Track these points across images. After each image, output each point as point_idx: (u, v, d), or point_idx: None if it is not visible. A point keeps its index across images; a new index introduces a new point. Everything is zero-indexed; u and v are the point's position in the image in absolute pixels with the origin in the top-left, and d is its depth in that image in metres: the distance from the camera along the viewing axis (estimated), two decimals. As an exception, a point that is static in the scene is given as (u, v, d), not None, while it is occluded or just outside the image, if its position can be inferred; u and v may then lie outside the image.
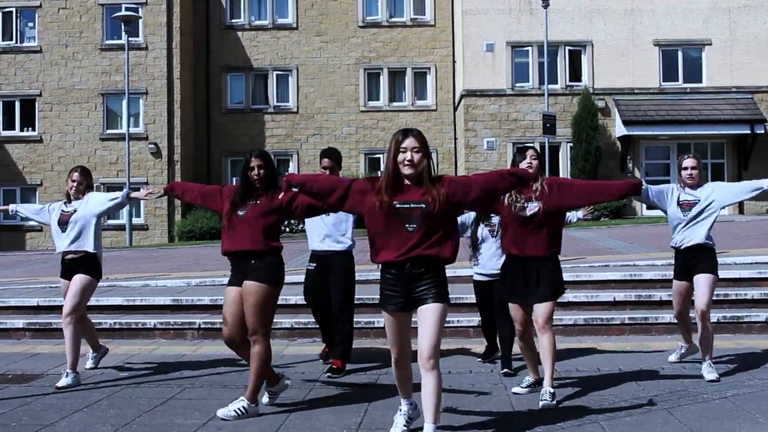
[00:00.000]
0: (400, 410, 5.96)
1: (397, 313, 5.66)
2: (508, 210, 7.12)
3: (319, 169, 8.66)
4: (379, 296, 5.82)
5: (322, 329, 9.02)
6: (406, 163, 5.62)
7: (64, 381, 7.95)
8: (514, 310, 7.26)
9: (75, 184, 8.35)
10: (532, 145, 7.18)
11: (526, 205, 7.05)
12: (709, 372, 7.73)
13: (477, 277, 8.66)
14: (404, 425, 5.89)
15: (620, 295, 11.14)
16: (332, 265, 8.60)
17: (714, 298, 8.17)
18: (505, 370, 8.18)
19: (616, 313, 10.64)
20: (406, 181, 5.67)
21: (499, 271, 7.69)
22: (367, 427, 6.42)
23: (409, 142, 5.64)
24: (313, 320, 10.73)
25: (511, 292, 7.22)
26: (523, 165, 7.18)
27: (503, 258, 7.48)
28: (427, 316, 5.54)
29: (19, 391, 7.89)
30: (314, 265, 8.74)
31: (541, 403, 6.75)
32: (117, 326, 10.91)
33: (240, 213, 6.88)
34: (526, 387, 7.37)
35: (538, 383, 7.26)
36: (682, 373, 8.09)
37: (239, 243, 6.83)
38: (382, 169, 32.73)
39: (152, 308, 11.60)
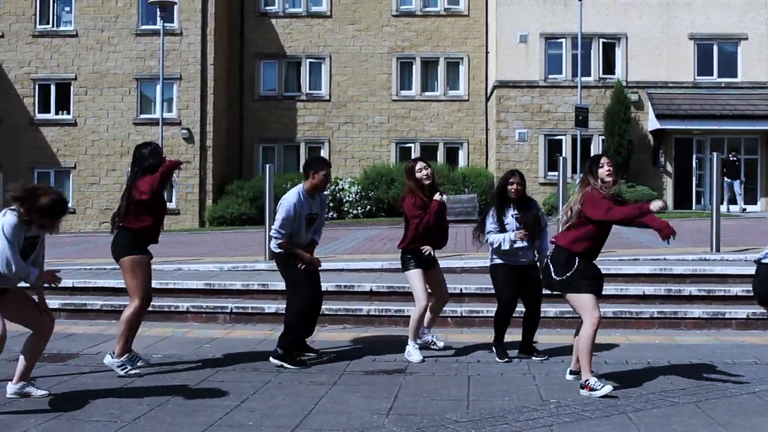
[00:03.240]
0: None
1: None
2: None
3: (319, 176, 8.48)
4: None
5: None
6: None
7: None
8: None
9: None
10: (601, 154, 7.33)
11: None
12: None
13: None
14: None
15: (650, 289, 11.16)
16: None
17: None
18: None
19: (645, 307, 10.65)
20: None
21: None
22: (397, 411, 6.52)
23: None
24: (345, 307, 10.93)
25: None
26: (603, 172, 7.29)
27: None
28: None
29: (55, 369, 8.06)
30: None
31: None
32: (150, 309, 11.03)
33: None
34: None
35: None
36: (710, 367, 8.11)
37: None
38: (413, 156, 32.76)
39: (185, 292, 11.75)
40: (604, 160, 7.39)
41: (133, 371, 7.82)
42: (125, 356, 7.89)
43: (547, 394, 7.10)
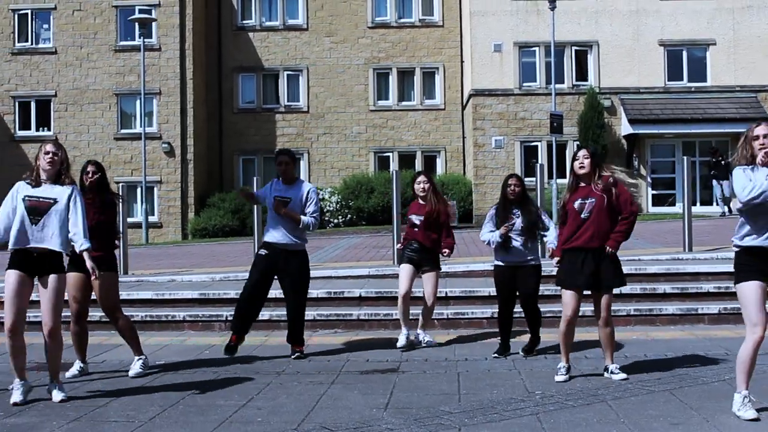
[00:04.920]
0: None
1: None
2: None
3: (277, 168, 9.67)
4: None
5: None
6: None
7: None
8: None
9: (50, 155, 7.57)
10: (583, 147, 7.95)
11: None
12: None
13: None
14: None
15: (626, 288, 11.65)
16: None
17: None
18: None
19: (622, 305, 11.14)
20: None
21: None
22: (394, 406, 7.01)
23: None
24: (336, 312, 11.44)
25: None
26: (576, 165, 7.85)
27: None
28: None
29: (64, 377, 8.45)
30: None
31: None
32: (148, 318, 11.49)
33: None
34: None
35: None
36: (684, 359, 8.64)
37: None
38: (391, 168, 33.34)
39: (180, 302, 12.19)
40: (580, 153, 7.92)
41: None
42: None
43: (532, 386, 7.61)
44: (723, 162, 27.73)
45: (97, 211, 8.43)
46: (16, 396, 7.30)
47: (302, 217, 9.36)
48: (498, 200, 9.39)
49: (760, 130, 6.29)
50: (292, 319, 9.47)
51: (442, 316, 11.11)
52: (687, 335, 10.20)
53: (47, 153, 7.49)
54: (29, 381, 7.51)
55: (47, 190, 7.43)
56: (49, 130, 33.89)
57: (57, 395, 7.36)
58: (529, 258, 9.12)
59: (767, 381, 7.49)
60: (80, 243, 7.42)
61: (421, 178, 10.00)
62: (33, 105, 33.99)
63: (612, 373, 7.79)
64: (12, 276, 7.25)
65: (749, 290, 6.28)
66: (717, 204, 29.09)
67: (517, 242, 9.06)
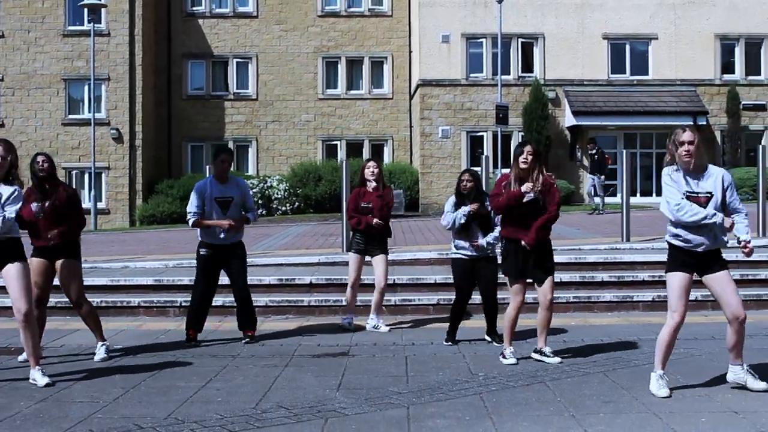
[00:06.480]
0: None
1: None
2: None
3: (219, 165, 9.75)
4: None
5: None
6: None
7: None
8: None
9: None
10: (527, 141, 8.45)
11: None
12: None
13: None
14: None
15: (566, 276, 12.19)
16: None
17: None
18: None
19: (562, 293, 11.61)
20: None
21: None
22: (346, 386, 7.43)
23: None
24: (287, 299, 11.82)
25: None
26: (520, 159, 8.26)
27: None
28: None
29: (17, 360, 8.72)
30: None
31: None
32: (103, 304, 11.73)
33: None
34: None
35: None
36: (619, 344, 9.17)
37: None
38: (339, 156, 33.74)
39: (135, 288, 12.46)
40: (525, 148, 8.38)
41: None
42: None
43: (475, 369, 8.08)
44: (597, 157, 25.93)
45: (56, 200, 8.66)
46: None
47: (248, 216, 9.88)
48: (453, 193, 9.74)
49: (686, 137, 6.86)
50: (245, 305, 9.84)
51: (390, 303, 11.53)
52: (622, 321, 10.76)
53: None
54: None
55: None
56: (-5, 114, 33.69)
57: (41, 380, 7.61)
58: (487, 250, 9.47)
59: (694, 363, 8.07)
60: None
61: (371, 163, 10.52)
62: (-21, 89, 33.75)
63: (545, 355, 8.32)
64: None
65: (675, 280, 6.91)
66: (589, 200, 27.31)
67: (482, 239, 9.39)
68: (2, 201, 7.55)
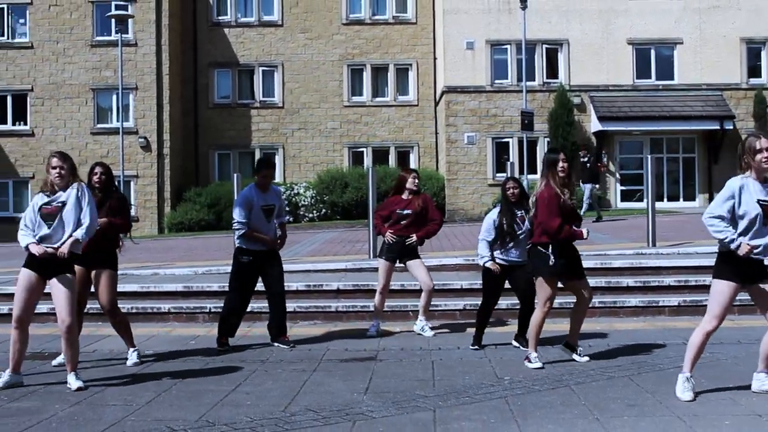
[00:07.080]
0: None
1: None
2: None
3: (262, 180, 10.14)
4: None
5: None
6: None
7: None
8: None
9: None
10: (558, 148, 8.70)
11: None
12: None
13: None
14: None
15: (592, 282, 12.18)
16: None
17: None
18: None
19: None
20: None
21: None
22: (373, 390, 7.54)
23: None
24: (314, 304, 11.95)
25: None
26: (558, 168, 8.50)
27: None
28: None
29: (51, 365, 8.90)
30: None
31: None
32: (134, 311, 11.93)
33: None
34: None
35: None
36: (644, 348, 9.23)
37: None
38: (366, 163, 33.93)
39: (165, 294, 12.65)
40: (560, 156, 8.58)
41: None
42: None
43: (501, 373, 8.17)
44: (588, 164, 25.49)
45: (109, 213, 8.84)
46: None
47: (282, 220, 10.31)
48: (490, 207, 9.91)
49: (764, 143, 6.74)
50: (280, 311, 10.00)
51: (416, 308, 11.61)
52: (648, 326, 10.81)
53: (54, 168, 7.82)
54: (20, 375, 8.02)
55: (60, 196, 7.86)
56: (25, 124, 34.10)
57: (75, 383, 7.78)
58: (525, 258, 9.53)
59: (719, 367, 8.13)
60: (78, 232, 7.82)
61: (414, 174, 10.86)
62: (9, 99, 34.17)
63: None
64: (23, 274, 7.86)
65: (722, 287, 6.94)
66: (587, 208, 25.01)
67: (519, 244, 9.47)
68: (83, 205, 7.81)
